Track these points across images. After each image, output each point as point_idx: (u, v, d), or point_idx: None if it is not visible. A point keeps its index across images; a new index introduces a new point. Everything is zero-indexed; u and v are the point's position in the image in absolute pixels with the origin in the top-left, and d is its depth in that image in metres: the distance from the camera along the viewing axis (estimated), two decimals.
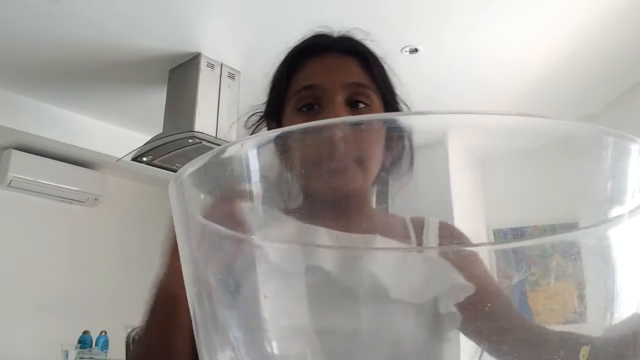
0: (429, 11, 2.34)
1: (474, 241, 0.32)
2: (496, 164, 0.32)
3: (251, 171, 0.29)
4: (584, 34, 2.51)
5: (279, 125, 0.80)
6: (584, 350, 0.26)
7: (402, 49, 2.62)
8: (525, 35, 2.52)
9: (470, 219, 0.33)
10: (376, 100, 0.77)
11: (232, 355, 0.29)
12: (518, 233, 0.31)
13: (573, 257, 0.27)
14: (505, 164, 0.32)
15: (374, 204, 0.55)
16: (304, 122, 0.72)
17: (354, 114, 0.73)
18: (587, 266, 0.27)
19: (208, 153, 0.28)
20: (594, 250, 0.28)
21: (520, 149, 0.30)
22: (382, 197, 0.54)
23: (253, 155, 0.29)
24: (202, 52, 2.61)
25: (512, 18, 2.39)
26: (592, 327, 0.28)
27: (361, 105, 0.75)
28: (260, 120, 0.86)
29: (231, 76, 2.70)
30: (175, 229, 0.30)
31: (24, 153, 3.41)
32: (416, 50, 2.63)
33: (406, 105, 0.88)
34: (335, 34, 0.85)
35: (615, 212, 0.27)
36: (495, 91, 3.04)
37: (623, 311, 0.26)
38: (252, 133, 0.86)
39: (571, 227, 0.29)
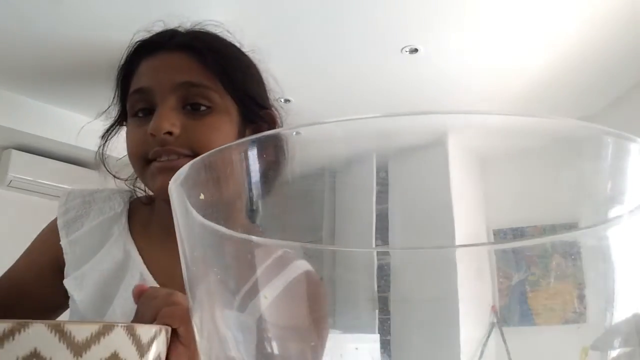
0: (429, 11, 2.34)
1: (474, 241, 0.32)
2: (496, 164, 0.32)
3: (251, 171, 0.29)
4: (584, 34, 2.51)
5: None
6: (584, 350, 0.26)
7: (402, 49, 2.62)
8: (526, 35, 2.52)
9: (470, 219, 0.33)
10: (219, 101, 0.67)
11: (232, 356, 0.29)
12: (518, 233, 0.31)
13: (573, 257, 0.27)
14: (505, 164, 0.32)
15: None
16: (138, 128, 0.68)
17: (193, 117, 0.65)
18: (587, 266, 0.27)
19: (208, 153, 0.28)
20: (594, 250, 0.28)
21: (520, 149, 0.30)
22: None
23: (253, 155, 0.29)
24: None
25: (513, 18, 2.39)
26: (592, 327, 0.28)
27: (202, 108, 0.65)
28: (114, 126, 0.81)
29: None
30: (176, 229, 0.30)
31: (24, 153, 3.41)
32: (416, 50, 2.63)
33: (279, 103, 0.75)
34: (180, 29, 0.75)
35: (615, 212, 0.27)
36: (495, 91, 3.04)
37: (623, 311, 0.26)
38: (104, 137, 0.84)
39: (571, 227, 0.29)
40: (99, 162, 0.85)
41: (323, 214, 0.42)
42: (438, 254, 0.30)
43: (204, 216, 0.29)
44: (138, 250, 0.74)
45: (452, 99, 3.08)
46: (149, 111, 0.67)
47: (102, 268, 0.72)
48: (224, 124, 0.67)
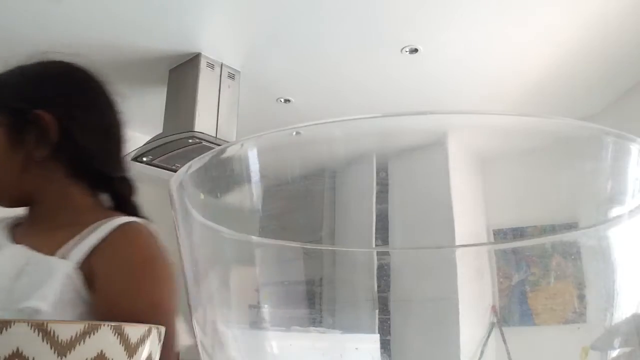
0: (429, 11, 2.34)
1: (474, 241, 0.32)
2: (496, 164, 0.32)
3: (251, 171, 0.29)
4: (584, 34, 2.51)
5: None
6: (584, 350, 0.26)
7: (402, 49, 2.62)
8: (525, 36, 2.52)
9: (470, 219, 0.33)
10: None
11: (233, 356, 0.29)
12: (518, 233, 0.31)
13: (573, 257, 0.27)
14: (505, 164, 0.32)
15: None
16: None
17: None
18: (587, 266, 0.27)
19: (208, 153, 0.28)
20: (594, 250, 0.28)
21: (520, 149, 0.30)
22: None
23: (253, 155, 0.29)
24: (202, 52, 2.61)
25: (512, 18, 2.39)
26: (592, 327, 0.28)
27: None
28: None
29: (231, 76, 2.70)
30: (176, 229, 0.30)
31: None
32: (416, 50, 2.63)
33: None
34: None
35: (615, 212, 0.27)
36: (495, 91, 3.04)
37: (623, 311, 0.26)
38: None
39: (571, 227, 0.29)
40: None
41: (323, 214, 0.42)
42: (438, 254, 0.30)
43: (204, 216, 0.29)
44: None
45: (452, 99, 3.08)
46: None
47: None
48: None
